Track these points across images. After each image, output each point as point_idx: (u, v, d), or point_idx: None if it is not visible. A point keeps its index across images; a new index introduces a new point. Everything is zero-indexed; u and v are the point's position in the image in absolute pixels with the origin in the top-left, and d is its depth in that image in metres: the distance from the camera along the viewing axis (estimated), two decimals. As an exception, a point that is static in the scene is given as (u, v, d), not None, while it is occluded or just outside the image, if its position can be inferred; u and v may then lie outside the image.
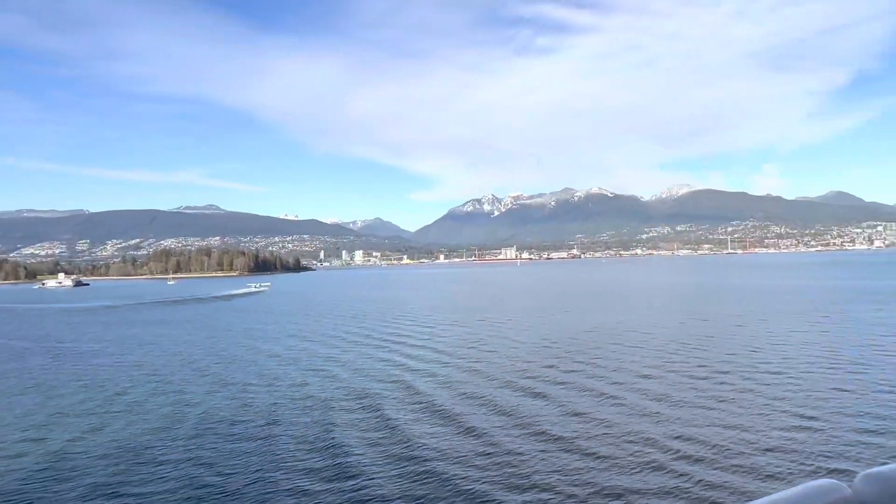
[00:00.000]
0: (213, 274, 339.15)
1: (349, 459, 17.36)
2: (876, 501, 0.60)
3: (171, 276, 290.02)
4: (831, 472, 15.25)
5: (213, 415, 23.02)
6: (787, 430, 18.54)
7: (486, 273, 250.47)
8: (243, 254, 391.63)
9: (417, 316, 62.44)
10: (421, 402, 23.95)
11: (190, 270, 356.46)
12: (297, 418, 22.12)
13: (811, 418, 19.74)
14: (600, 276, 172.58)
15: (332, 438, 19.42)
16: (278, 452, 18.18)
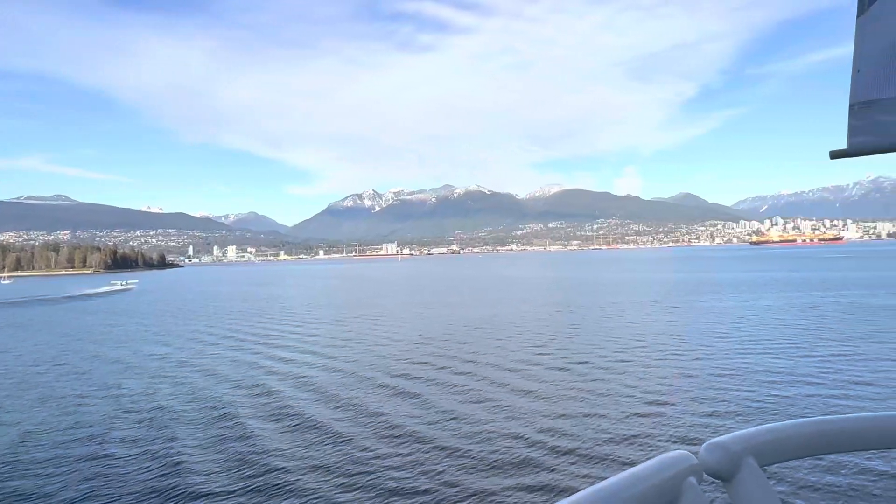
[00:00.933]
0: (63, 272, 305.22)
1: (192, 479, 15.57)
2: (717, 466, 0.82)
3: (5, 274, 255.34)
4: (680, 445, 16.07)
5: (33, 436, 19.88)
6: (642, 414, 19.41)
7: (367, 269, 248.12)
8: (99, 249, 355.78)
9: (291, 314, 59.74)
10: (283, 406, 22.39)
11: (33, 268, 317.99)
12: (140, 432, 19.70)
13: (662, 403, 20.87)
14: (477, 271, 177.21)
15: (176, 454, 17.41)
16: (107, 473, 15.91)
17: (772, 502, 0.85)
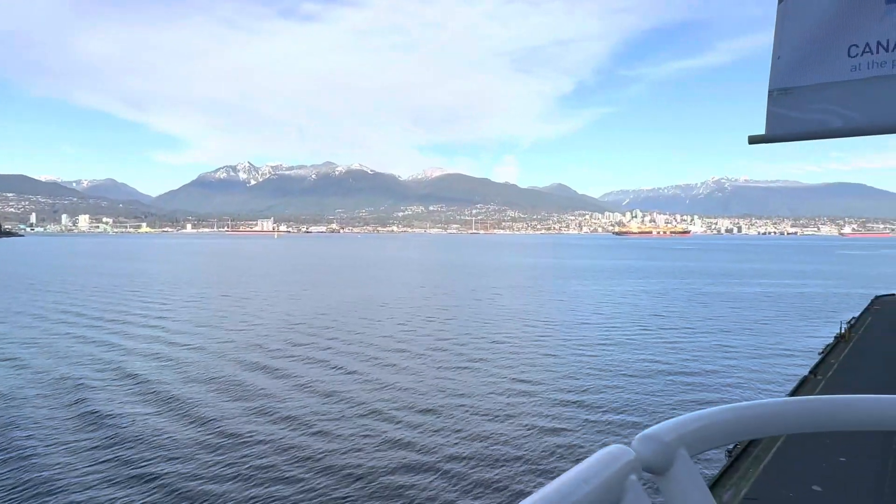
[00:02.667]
0: None
1: (41, 473, 13.73)
2: (652, 460, 0.76)
3: None
4: (544, 428, 16.77)
5: None
6: (504, 396, 20.05)
7: (239, 245, 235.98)
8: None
9: (149, 293, 55.06)
10: (135, 394, 20.48)
11: None
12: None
13: (525, 386, 21.72)
14: (357, 250, 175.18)
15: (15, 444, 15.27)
16: None
17: (703, 495, 0.85)
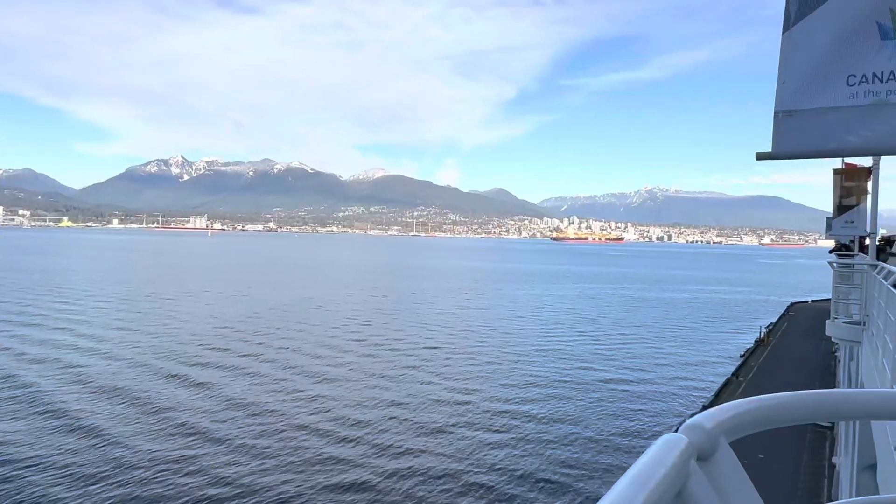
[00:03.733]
0: None
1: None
2: (699, 447, 0.86)
3: None
4: (484, 431, 16.83)
5: None
6: (442, 402, 20.03)
7: (169, 243, 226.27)
8: None
9: (67, 292, 51.86)
10: (37, 399, 19.14)
11: None
12: None
13: (460, 403, 21.83)
14: (295, 250, 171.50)
15: None
16: None
17: (742, 478, 0.93)
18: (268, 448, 15.46)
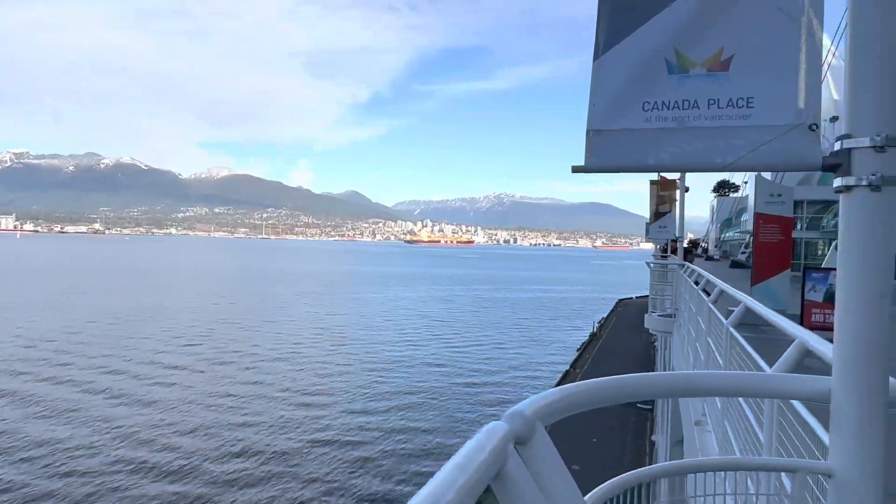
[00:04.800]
0: None
1: None
2: (518, 432, 0.96)
3: None
4: (335, 441, 16.61)
5: None
6: (289, 418, 19.49)
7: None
8: None
9: None
10: None
11: None
12: None
13: (306, 404, 21.39)
14: (125, 254, 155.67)
15: None
16: None
17: (555, 459, 1.03)
18: (87, 468, 13.90)
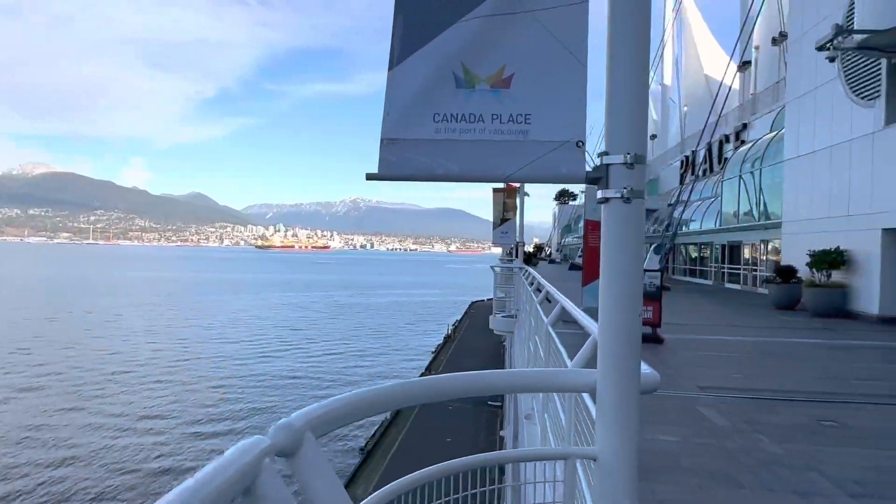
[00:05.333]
0: None
1: None
2: (284, 444, 0.95)
3: None
4: (168, 456, 15.38)
5: None
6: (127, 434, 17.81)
7: None
8: None
9: None
10: None
11: None
12: None
13: (156, 417, 19.72)
14: None
15: None
16: None
17: (325, 469, 1.03)
18: None
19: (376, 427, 17.50)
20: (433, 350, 31.40)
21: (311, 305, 57.64)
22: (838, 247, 15.16)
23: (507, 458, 1.53)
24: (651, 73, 59.24)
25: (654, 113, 65.14)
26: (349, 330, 41.32)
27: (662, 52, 55.00)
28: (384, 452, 15.59)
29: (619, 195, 1.46)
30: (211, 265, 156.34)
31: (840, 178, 15.68)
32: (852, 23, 13.63)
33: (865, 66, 14.64)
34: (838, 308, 15.02)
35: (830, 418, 5.76)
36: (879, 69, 14.18)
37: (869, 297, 14.27)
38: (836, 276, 15.20)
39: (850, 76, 15.31)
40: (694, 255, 34.57)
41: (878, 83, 14.20)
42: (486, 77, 1.59)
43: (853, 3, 13.88)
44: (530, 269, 9.96)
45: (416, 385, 1.43)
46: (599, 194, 1.50)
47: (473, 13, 1.57)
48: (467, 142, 1.58)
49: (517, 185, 14.17)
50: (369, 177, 1.58)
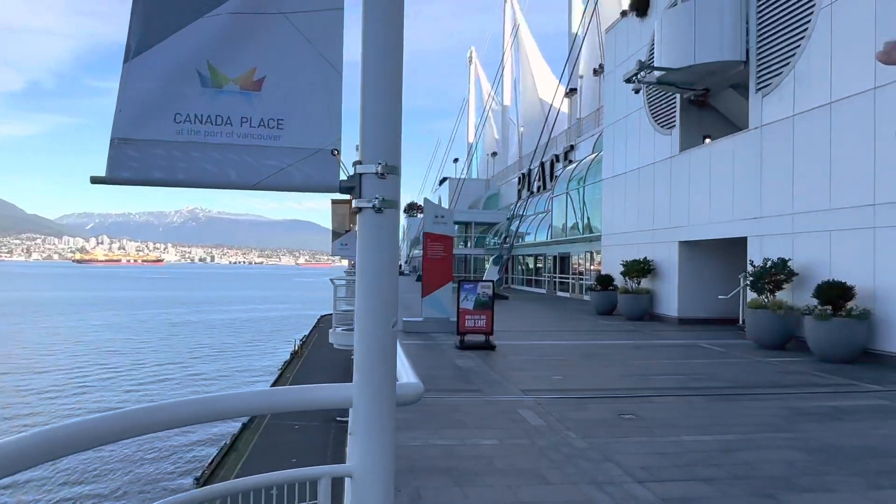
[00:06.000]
0: None
1: None
2: None
3: None
4: None
5: None
6: None
7: None
8: None
9: None
10: None
11: None
12: None
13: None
14: None
15: None
16: None
17: None
18: None
19: (215, 454, 16.24)
20: (279, 368, 30.05)
21: (139, 326, 52.40)
22: (645, 257, 17.08)
23: (249, 485, 1.42)
24: (492, 93, 62.80)
25: (495, 132, 68.97)
26: (185, 351, 38.08)
27: (502, 74, 58.52)
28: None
29: (371, 205, 1.45)
30: (13, 283, 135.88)
31: (646, 196, 17.73)
32: (653, 60, 15.53)
33: (664, 98, 16.77)
34: (646, 312, 16.91)
35: (630, 412, 6.39)
36: (675, 102, 16.32)
37: (670, 302, 16.24)
38: (645, 283, 17.11)
39: (652, 107, 17.43)
40: (531, 265, 36.97)
41: (674, 114, 16.33)
42: (235, 78, 1.49)
43: (654, 43, 15.83)
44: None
45: (112, 419, 1.21)
46: (355, 203, 1.48)
47: (221, 8, 1.46)
48: (213, 145, 1.47)
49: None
50: (94, 180, 1.39)
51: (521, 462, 4.69)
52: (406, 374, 1.79)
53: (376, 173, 1.44)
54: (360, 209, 1.46)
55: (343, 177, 1.50)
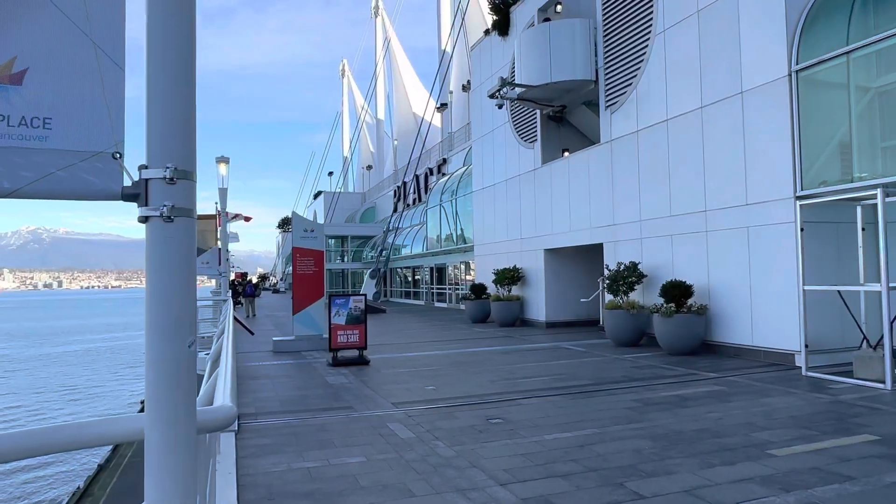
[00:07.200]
0: None
1: None
2: None
3: None
4: None
5: None
6: None
7: None
8: None
9: None
10: None
11: None
12: None
13: None
14: None
15: None
16: None
17: None
18: None
19: (65, 501, 14.40)
20: (143, 401, 27.48)
21: (-34, 364, 45.60)
22: (515, 265, 17.80)
23: None
24: (366, 106, 62.63)
25: (370, 145, 68.78)
26: (31, 391, 33.64)
27: (375, 87, 58.60)
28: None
29: (158, 213, 1.31)
30: None
31: (513, 207, 18.52)
32: (514, 77, 16.31)
33: (526, 114, 17.66)
34: (518, 318, 17.58)
35: (498, 416, 6.55)
36: (536, 118, 17.24)
37: (538, 307, 17.02)
38: (515, 290, 17.81)
39: (516, 122, 18.28)
40: (409, 277, 37.16)
41: (536, 129, 17.24)
42: (-9, 69, 1.29)
43: (514, 61, 16.64)
44: (229, 303, 9.33)
45: None
46: (139, 212, 1.33)
47: None
48: None
49: (218, 211, 13.25)
50: None
51: (387, 477, 4.61)
52: (222, 397, 1.64)
53: (164, 178, 1.30)
54: (146, 218, 1.31)
55: (128, 183, 1.35)
